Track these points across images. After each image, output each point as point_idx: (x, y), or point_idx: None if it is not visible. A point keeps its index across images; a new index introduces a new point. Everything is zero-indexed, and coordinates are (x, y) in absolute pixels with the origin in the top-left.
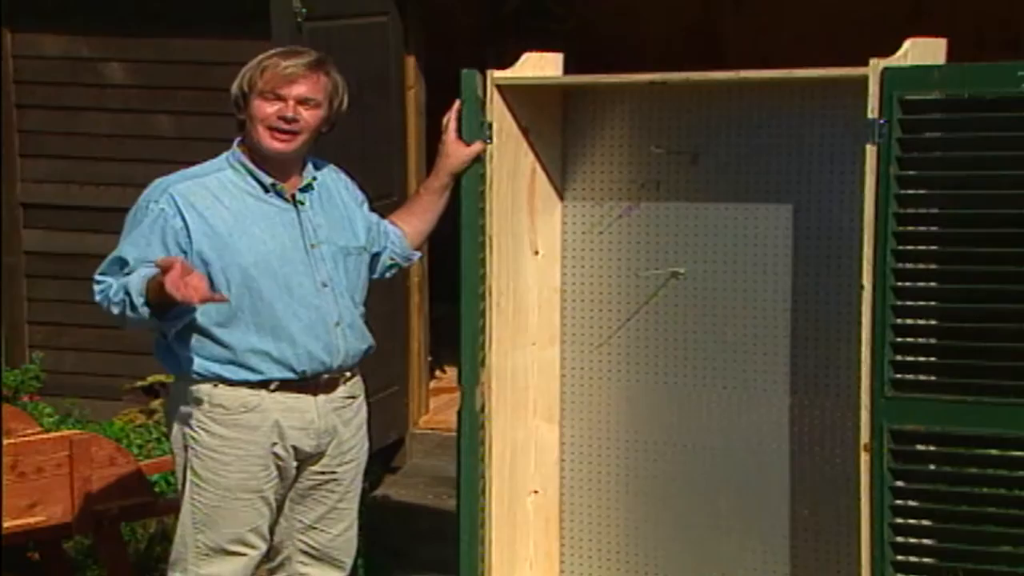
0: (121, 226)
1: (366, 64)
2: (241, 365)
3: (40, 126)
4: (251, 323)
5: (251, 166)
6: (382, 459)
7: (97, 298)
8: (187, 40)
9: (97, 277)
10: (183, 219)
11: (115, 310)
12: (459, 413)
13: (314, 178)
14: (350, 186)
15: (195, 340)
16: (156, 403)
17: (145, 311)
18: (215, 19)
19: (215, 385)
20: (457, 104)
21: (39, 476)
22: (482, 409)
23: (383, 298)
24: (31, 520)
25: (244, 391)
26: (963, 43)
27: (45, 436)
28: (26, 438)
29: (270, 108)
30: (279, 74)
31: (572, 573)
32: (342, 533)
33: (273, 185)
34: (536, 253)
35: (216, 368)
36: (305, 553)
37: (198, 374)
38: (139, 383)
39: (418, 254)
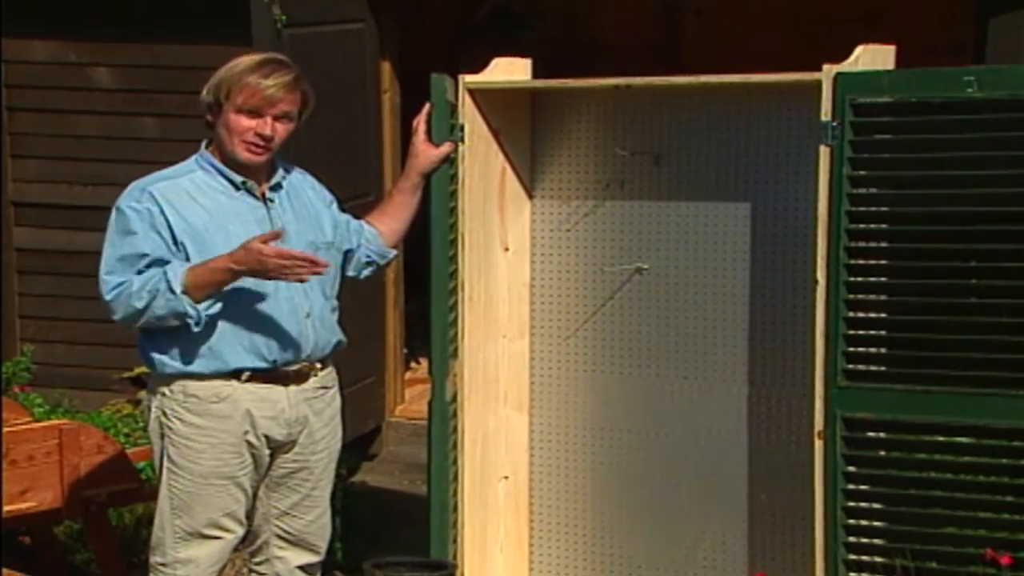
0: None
1: (343, 69)
2: (215, 356)
3: (30, 128)
4: (225, 315)
5: (221, 166)
6: (359, 447)
7: (110, 295)
8: (171, 46)
9: (105, 277)
10: (165, 216)
11: (138, 303)
12: (430, 403)
13: (283, 178)
14: (316, 186)
15: (170, 335)
16: (142, 393)
17: (184, 298)
18: (198, 25)
19: (189, 377)
20: (427, 107)
21: (30, 464)
22: (453, 399)
23: (360, 293)
24: (23, 506)
25: (217, 382)
26: (912, 49)
27: (36, 425)
28: (17, 427)
29: (248, 123)
30: (261, 94)
31: (541, 555)
32: (316, 520)
33: (244, 183)
34: (506, 249)
35: (190, 360)
36: (281, 538)
37: (173, 367)
38: (126, 374)
39: (394, 252)
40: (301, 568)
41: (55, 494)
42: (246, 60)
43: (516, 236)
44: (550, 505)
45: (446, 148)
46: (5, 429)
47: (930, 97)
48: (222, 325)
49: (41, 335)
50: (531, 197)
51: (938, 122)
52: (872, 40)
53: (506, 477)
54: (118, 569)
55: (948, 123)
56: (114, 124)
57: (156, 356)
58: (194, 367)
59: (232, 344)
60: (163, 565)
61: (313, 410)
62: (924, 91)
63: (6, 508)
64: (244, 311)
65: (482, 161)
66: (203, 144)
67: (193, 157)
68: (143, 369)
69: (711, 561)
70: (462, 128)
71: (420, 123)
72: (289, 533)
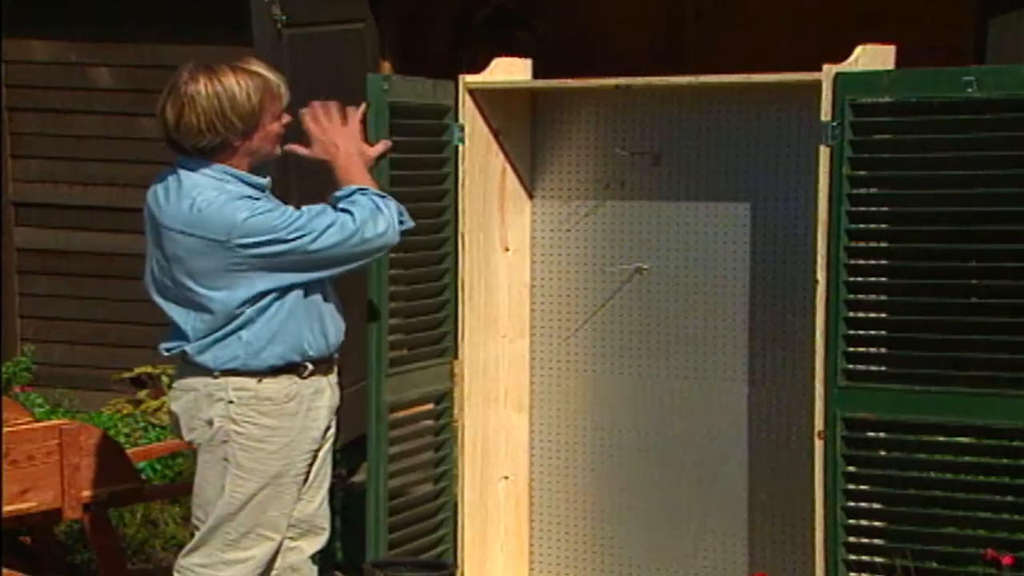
0: (109, 223)
1: (343, 68)
2: (294, 354)
3: (30, 128)
4: (302, 312)
5: (246, 175)
6: (359, 447)
7: (372, 217)
8: (171, 45)
9: (306, 224)
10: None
11: (382, 224)
12: (367, 405)
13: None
14: None
15: (252, 334)
16: (143, 393)
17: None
18: (198, 25)
19: (259, 380)
20: (363, 106)
21: (30, 464)
22: (447, 397)
23: (360, 293)
24: (23, 506)
25: (285, 381)
26: (912, 49)
27: (36, 425)
28: (18, 427)
29: (284, 120)
30: (283, 93)
31: (541, 555)
32: (322, 502)
33: (264, 186)
34: (507, 250)
35: (271, 358)
36: (293, 527)
37: (257, 365)
38: (126, 374)
39: None
40: (311, 557)
41: (55, 494)
42: (260, 71)
43: (516, 236)
44: (550, 505)
45: (380, 147)
46: (5, 429)
47: (930, 97)
48: (300, 324)
49: (41, 335)
50: (531, 197)
51: (938, 122)
52: (872, 40)
53: (506, 477)
54: (118, 569)
55: (948, 123)
56: (114, 124)
57: (239, 349)
58: (275, 361)
59: (306, 342)
60: (202, 566)
61: (337, 395)
62: (924, 91)
63: (6, 508)
64: (315, 308)
65: (482, 161)
66: (209, 165)
67: (210, 173)
68: (144, 369)
69: (711, 561)
70: (462, 128)
71: (354, 120)
72: (301, 521)
